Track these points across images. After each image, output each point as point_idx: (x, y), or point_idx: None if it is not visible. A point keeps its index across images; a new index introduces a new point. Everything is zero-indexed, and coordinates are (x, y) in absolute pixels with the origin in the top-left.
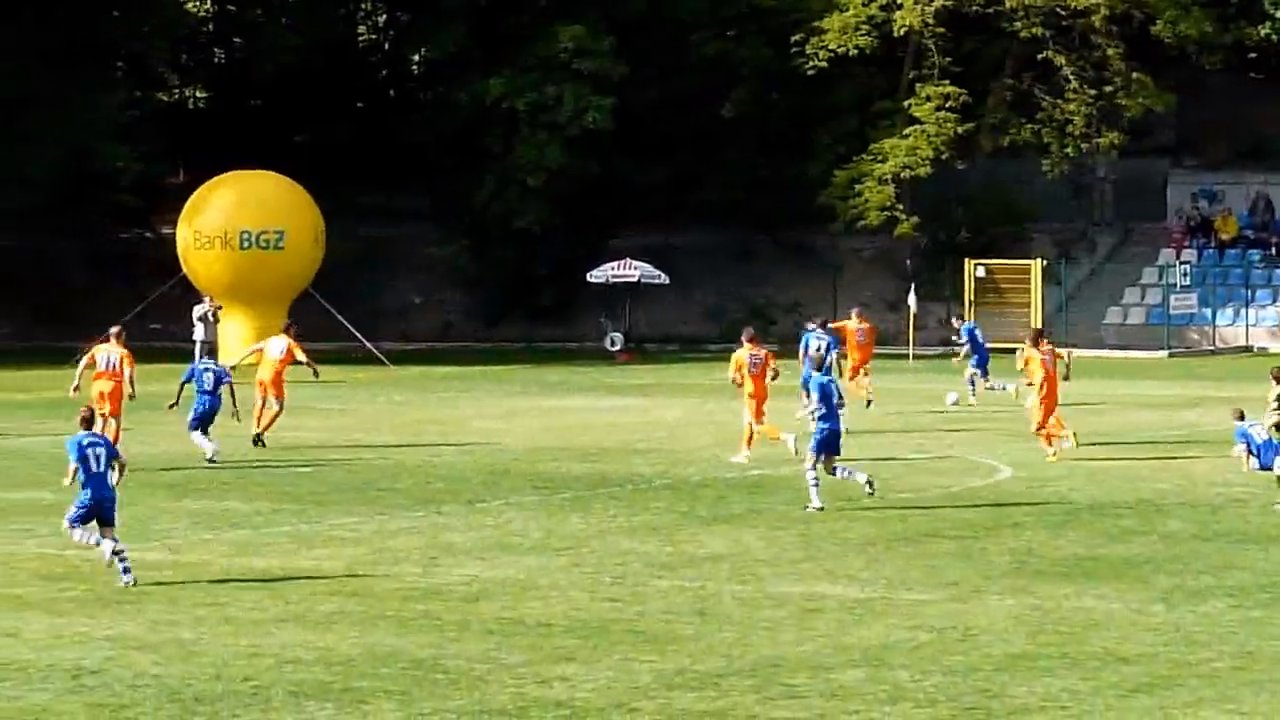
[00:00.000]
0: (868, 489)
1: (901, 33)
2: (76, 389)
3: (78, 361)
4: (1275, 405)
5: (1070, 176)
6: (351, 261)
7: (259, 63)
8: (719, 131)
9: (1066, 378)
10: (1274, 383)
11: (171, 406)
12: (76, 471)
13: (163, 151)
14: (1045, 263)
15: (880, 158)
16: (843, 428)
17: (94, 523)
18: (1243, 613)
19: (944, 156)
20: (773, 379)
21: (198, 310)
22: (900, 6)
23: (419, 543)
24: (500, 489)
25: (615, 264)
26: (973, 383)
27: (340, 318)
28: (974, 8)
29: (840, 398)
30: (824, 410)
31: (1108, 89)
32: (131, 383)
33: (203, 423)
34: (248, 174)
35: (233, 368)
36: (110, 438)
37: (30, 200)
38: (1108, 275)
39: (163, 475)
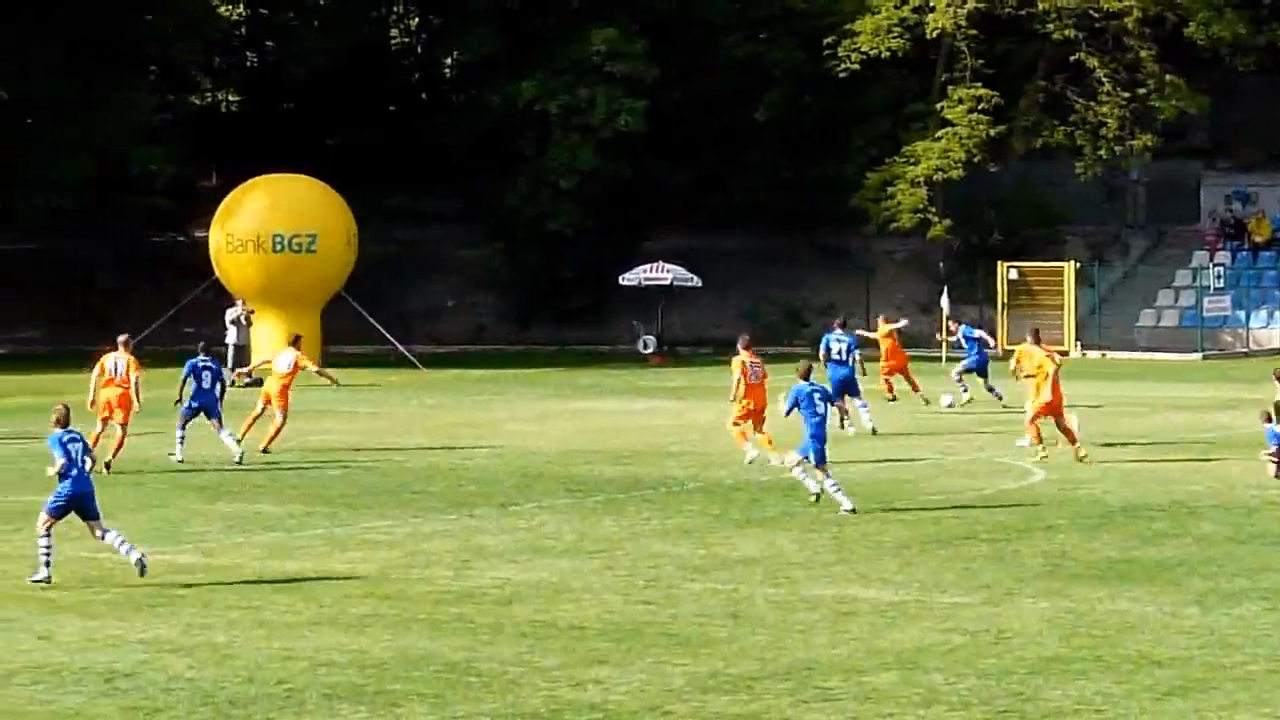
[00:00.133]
0: (813, 498)
1: (934, 35)
2: (93, 403)
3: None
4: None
5: (1103, 179)
6: (384, 264)
7: (291, 66)
8: (751, 134)
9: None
10: (1278, 383)
11: (177, 403)
12: (63, 465)
13: (195, 155)
14: (1078, 265)
15: (913, 160)
16: (829, 434)
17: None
18: (1277, 615)
19: (976, 159)
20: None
21: (230, 314)
22: (933, 9)
23: (452, 546)
24: (533, 492)
25: (648, 266)
26: (961, 379)
27: (372, 321)
28: (1006, 10)
29: (828, 406)
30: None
31: (1141, 91)
32: (137, 392)
33: (192, 416)
34: (280, 177)
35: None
36: (116, 444)
37: (62, 203)
38: (1141, 278)
39: (195, 478)
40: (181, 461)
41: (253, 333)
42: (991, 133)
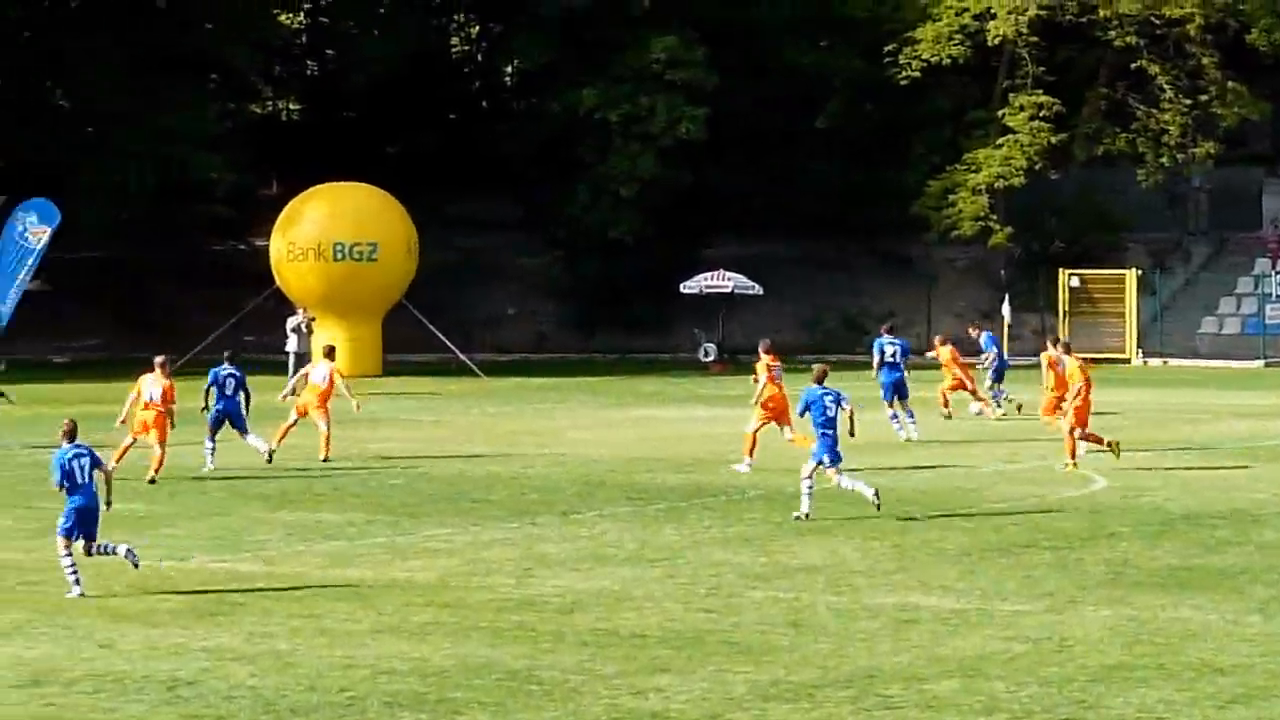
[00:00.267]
0: (802, 517)
1: (995, 42)
2: (124, 421)
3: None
4: None
5: (1165, 186)
6: (444, 272)
7: (352, 74)
8: (812, 141)
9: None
10: None
11: (204, 410)
12: (63, 488)
13: (255, 163)
14: (1140, 273)
15: (974, 167)
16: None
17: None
18: None
19: (1038, 166)
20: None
21: (291, 322)
22: (994, 16)
23: (513, 554)
24: (595, 500)
25: (709, 274)
26: (996, 393)
27: (433, 329)
28: (1068, 17)
29: (838, 407)
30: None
31: (1202, 98)
32: (172, 415)
33: (218, 426)
34: (341, 186)
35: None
36: (156, 461)
37: (124, 211)
38: (1203, 285)
39: (256, 486)
40: (213, 469)
41: (314, 340)
42: (1053, 140)
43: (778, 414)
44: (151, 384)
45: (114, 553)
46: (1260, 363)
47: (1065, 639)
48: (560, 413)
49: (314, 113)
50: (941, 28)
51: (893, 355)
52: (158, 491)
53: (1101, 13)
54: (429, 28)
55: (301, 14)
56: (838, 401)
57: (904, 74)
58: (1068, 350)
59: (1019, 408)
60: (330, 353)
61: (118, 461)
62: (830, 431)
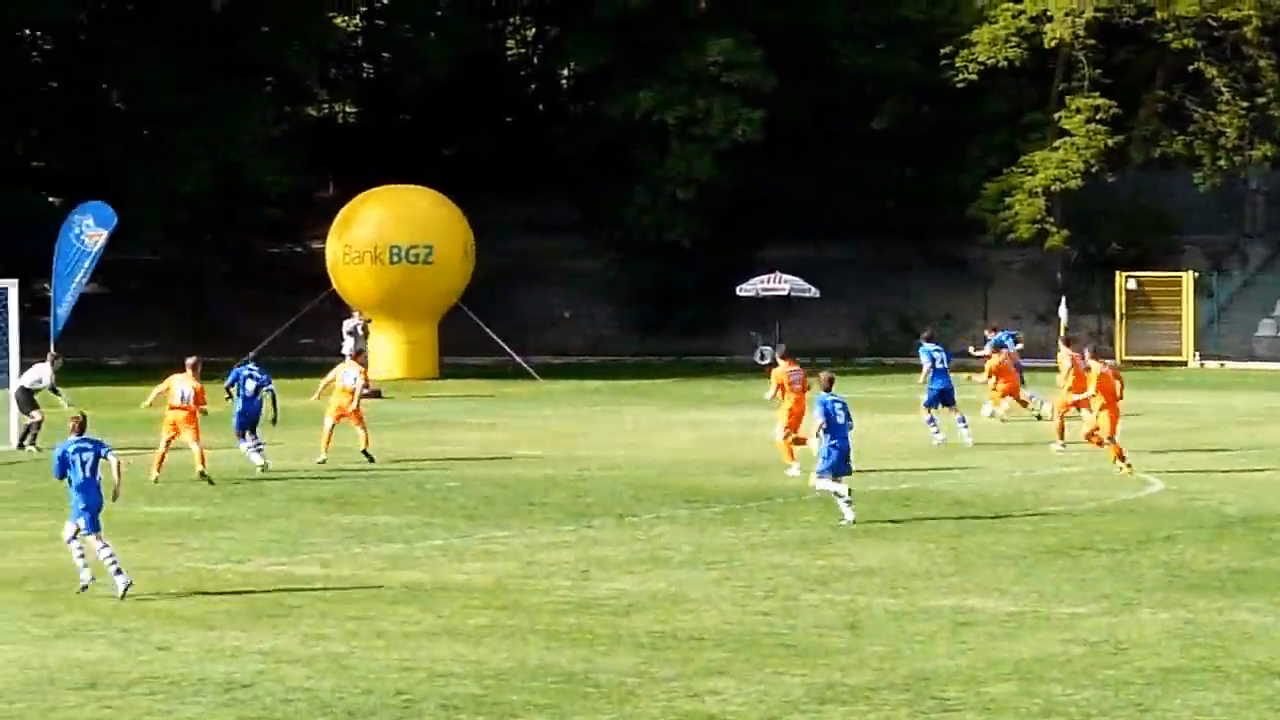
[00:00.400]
0: (846, 521)
1: (1052, 44)
2: (150, 404)
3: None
4: None
5: (1222, 188)
6: (501, 275)
7: (407, 77)
8: (868, 144)
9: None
10: None
11: (227, 398)
12: (66, 480)
13: (311, 166)
14: (1197, 275)
15: (1030, 170)
16: (850, 445)
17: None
18: None
19: (1094, 169)
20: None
21: (347, 324)
22: (1050, 19)
23: (570, 556)
24: (651, 502)
25: (765, 277)
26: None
27: (489, 332)
28: (1125, 19)
29: (848, 417)
30: (830, 429)
31: (1260, 100)
32: (203, 411)
33: (246, 427)
34: (397, 188)
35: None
36: (198, 458)
37: (180, 214)
38: (1260, 287)
39: (313, 489)
40: (269, 465)
41: (370, 343)
42: (1109, 142)
43: (798, 419)
44: (182, 384)
45: (112, 569)
46: None
47: (1122, 642)
48: (616, 416)
49: (370, 115)
50: (998, 30)
51: (941, 362)
52: (214, 494)
53: (1159, 15)
54: (485, 30)
55: (357, 17)
56: (846, 410)
57: (960, 76)
58: (1095, 355)
59: (1039, 417)
60: (359, 355)
61: (159, 469)
62: (839, 440)
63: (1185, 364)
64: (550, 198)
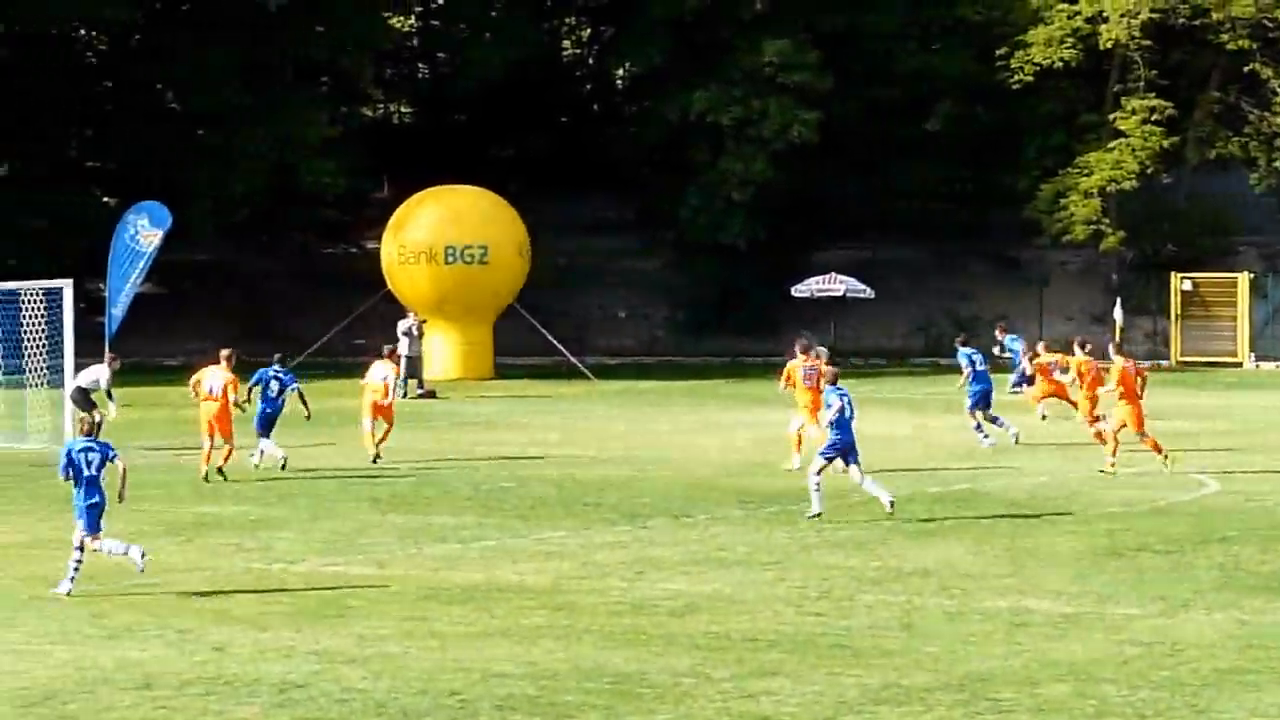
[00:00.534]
0: (889, 507)
1: (1107, 45)
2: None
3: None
4: None
5: (1278, 189)
6: (556, 275)
7: (462, 77)
8: (923, 144)
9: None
10: None
11: (246, 401)
12: (71, 480)
13: (366, 167)
14: (1252, 276)
15: (1086, 171)
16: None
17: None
18: None
19: (1150, 170)
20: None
21: (402, 325)
22: (1106, 19)
23: (624, 557)
24: (706, 503)
25: (820, 278)
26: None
27: (544, 332)
28: (1180, 20)
29: (852, 410)
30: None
31: None
32: (237, 404)
33: (266, 425)
34: (452, 189)
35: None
36: (225, 455)
37: (234, 215)
38: None
39: (367, 489)
40: (284, 459)
41: (425, 344)
42: (1165, 144)
43: (812, 414)
44: (213, 376)
45: (122, 553)
46: None
47: (1177, 643)
48: (671, 416)
49: (425, 116)
50: (1053, 31)
51: (980, 364)
52: (268, 494)
53: (1214, 16)
54: (540, 31)
55: (412, 17)
56: (850, 403)
57: (1016, 77)
58: (1120, 351)
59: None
60: (391, 354)
61: (207, 464)
62: (844, 433)
63: (1240, 365)
64: (605, 198)
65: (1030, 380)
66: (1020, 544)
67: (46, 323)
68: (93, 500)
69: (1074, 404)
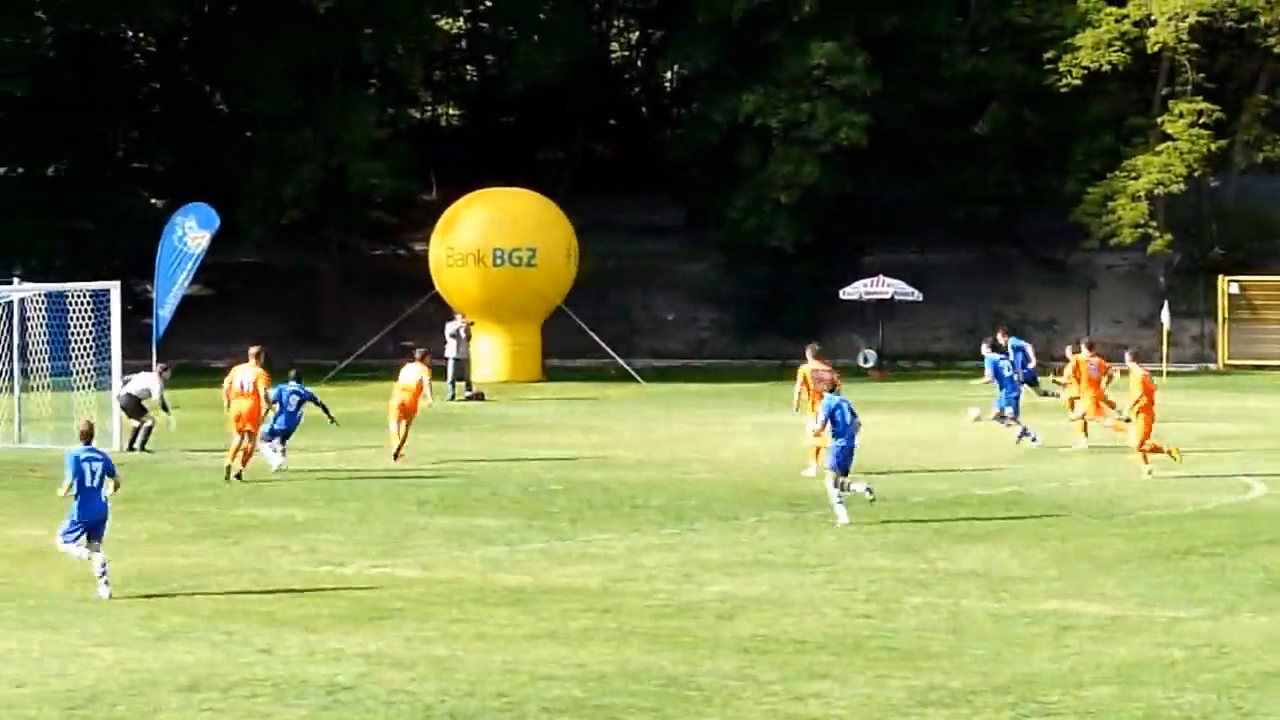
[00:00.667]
0: (868, 495)
1: (1155, 49)
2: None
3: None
4: None
5: None
6: (604, 278)
7: (511, 80)
8: (972, 147)
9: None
10: None
11: (267, 412)
12: (71, 487)
13: (415, 169)
14: None
15: (1134, 174)
16: (857, 444)
17: (84, 538)
18: None
19: (1197, 173)
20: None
21: (450, 327)
22: (1154, 23)
23: (672, 559)
24: (753, 506)
25: (868, 281)
26: (1049, 393)
27: (592, 334)
28: (1228, 24)
29: (853, 416)
30: (836, 429)
31: None
32: (267, 399)
33: (279, 437)
34: (500, 191)
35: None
36: (245, 455)
37: (284, 216)
38: None
39: (414, 491)
40: (283, 467)
41: (473, 346)
42: (1212, 147)
43: None
44: (243, 373)
45: (100, 575)
46: None
47: (1223, 646)
48: (719, 418)
49: (473, 118)
50: (1101, 34)
51: (1008, 369)
52: (315, 496)
53: (1262, 19)
54: (589, 33)
55: (461, 19)
56: (853, 410)
57: (1064, 81)
58: (1135, 358)
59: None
60: (422, 355)
61: (233, 459)
62: (847, 440)
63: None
64: (654, 201)
65: (1035, 379)
66: (1067, 546)
67: (94, 324)
68: (92, 510)
69: (1070, 404)
